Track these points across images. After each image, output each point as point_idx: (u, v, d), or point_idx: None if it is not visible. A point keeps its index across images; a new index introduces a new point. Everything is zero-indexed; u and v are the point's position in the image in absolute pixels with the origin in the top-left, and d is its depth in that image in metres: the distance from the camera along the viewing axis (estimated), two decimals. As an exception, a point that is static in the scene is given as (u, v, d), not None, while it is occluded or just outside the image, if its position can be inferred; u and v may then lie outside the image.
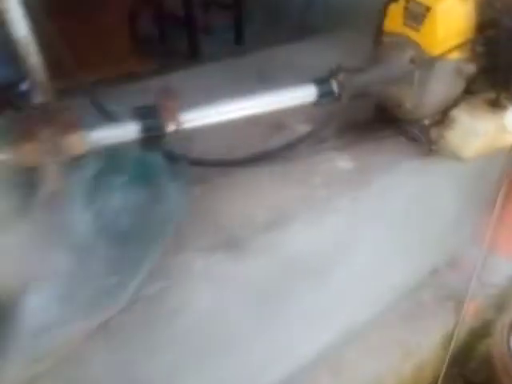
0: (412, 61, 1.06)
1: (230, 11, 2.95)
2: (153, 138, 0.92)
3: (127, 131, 0.90)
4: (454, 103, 1.09)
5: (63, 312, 0.81)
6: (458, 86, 1.10)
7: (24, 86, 1.83)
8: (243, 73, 1.60)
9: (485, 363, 1.72)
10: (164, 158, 1.06)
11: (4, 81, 1.21)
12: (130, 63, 2.56)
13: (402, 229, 1.33)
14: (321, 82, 1.01)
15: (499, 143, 1.12)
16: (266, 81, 1.57)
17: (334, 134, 1.24)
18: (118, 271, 0.91)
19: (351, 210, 1.12)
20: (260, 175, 1.13)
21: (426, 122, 1.13)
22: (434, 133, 1.13)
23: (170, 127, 0.91)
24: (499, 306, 1.75)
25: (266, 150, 1.15)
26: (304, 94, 1.01)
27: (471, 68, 1.05)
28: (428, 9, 1.02)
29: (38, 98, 0.97)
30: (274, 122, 1.29)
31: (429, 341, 1.60)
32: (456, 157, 1.11)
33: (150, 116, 0.90)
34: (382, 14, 1.14)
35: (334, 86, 1.01)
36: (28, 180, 0.78)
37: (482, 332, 1.74)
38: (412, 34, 1.07)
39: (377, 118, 1.26)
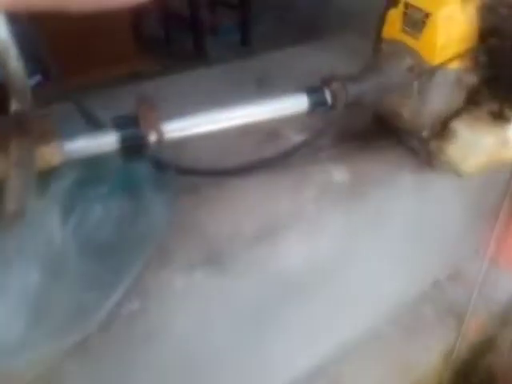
0: (410, 69, 1.00)
1: (236, 12, 2.92)
2: (134, 148, 0.88)
3: (106, 141, 0.86)
4: (455, 115, 1.04)
5: (30, 333, 0.77)
6: (459, 97, 1.04)
7: (31, 82, 1.82)
8: (242, 77, 1.57)
9: (487, 380, 1.68)
10: (150, 167, 1.02)
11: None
12: (134, 63, 2.54)
13: (401, 242, 1.28)
14: (313, 90, 0.96)
15: (502, 158, 1.05)
16: (264, 86, 1.53)
17: (330, 142, 1.20)
18: (95, 287, 0.87)
19: (346, 224, 1.08)
20: (250, 186, 1.09)
21: (425, 133, 1.07)
22: (433, 145, 1.08)
23: (151, 137, 0.87)
24: (502, 321, 1.71)
25: (258, 159, 1.11)
26: (295, 104, 0.96)
27: (472, 78, 1.00)
28: (427, 15, 0.96)
29: (15, 106, 0.93)
30: (269, 129, 1.25)
31: (429, 356, 1.56)
32: (456, 172, 1.06)
33: (130, 125, 0.86)
34: (382, 19, 1.08)
35: (327, 95, 0.95)
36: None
37: (484, 347, 1.70)
38: (411, 42, 1.01)
39: (375, 127, 1.21)
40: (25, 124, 0.81)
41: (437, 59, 0.98)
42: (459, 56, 0.97)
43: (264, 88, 1.54)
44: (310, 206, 1.03)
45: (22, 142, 0.77)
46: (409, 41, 1.02)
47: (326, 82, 0.96)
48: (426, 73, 0.99)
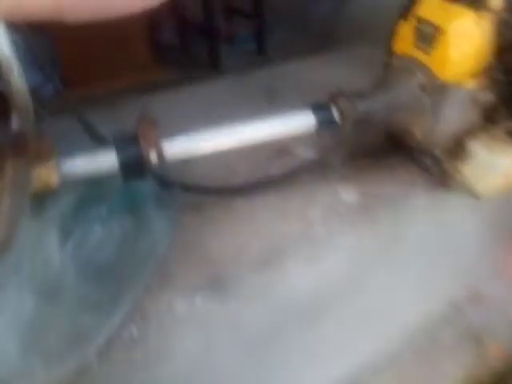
0: (421, 86, 0.96)
1: (251, 21, 2.91)
2: (134, 167, 0.85)
3: (105, 161, 0.83)
4: (470, 134, 0.99)
5: (25, 359, 0.75)
6: (474, 116, 0.99)
7: (46, 91, 1.82)
8: (253, 90, 1.55)
9: (509, 408, 1.60)
10: (154, 185, 1.00)
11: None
12: (150, 73, 2.54)
13: (415, 265, 1.22)
14: (320, 108, 0.92)
15: (521, 179, 1.00)
16: (275, 99, 1.51)
17: (339, 160, 1.15)
18: (93, 312, 0.84)
19: (354, 249, 1.03)
20: (257, 205, 1.06)
21: (438, 152, 1.02)
22: (448, 165, 1.03)
23: (152, 156, 0.84)
24: (525, 345, 1.62)
25: (265, 176, 1.09)
26: (302, 122, 0.92)
27: (489, 96, 0.95)
28: (439, 30, 0.92)
29: (16, 124, 0.91)
30: (279, 146, 1.22)
31: (447, 382, 1.48)
32: (472, 193, 1.00)
33: (130, 144, 0.83)
34: (393, 33, 1.04)
35: (335, 112, 0.92)
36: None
37: (507, 375, 1.62)
38: (422, 57, 0.97)
39: (386, 144, 1.17)
40: (22, 143, 0.79)
41: (449, 76, 0.93)
42: (474, 73, 0.92)
43: (274, 102, 1.52)
44: (317, 228, 0.99)
45: (18, 162, 0.75)
46: (420, 56, 0.98)
47: (334, 98, 0.92)
48: (437, 90, 0.94)
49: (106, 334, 0.83)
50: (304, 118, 0.92)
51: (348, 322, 1.17)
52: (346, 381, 1.25)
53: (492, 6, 0.92)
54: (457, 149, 1.01)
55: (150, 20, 2.64)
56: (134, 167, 0.85)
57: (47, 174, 0.78)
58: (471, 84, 0.95)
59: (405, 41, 1.02)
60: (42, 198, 0.81)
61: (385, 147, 1.18)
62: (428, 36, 0.95)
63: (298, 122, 0.92)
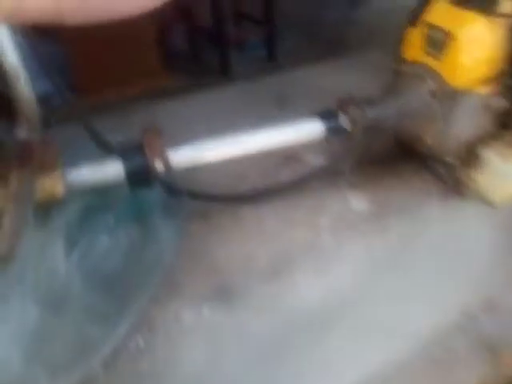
0: (432, 93, 0.94)
1: (262, 28, 2.91)
2: (139, 176, 0.85)
3: (110, 171, 0.83)
4: (483, 141, 0.96)
5: (30, 370, 0.75)
6: (487, 122, 0.97)
7: (56, 99, 1.83)
8: (262, 96, 1.54)
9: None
10: (161, 193, 0.99)
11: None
12: (160, 79, 2.55)
13: (427, 275, 1.20)
14: (328, 115, 0.91)
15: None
16: (284, 105, 1.50)
17: (349, 167, 1.14)
18: (99, 322, 0.84)
19: (365, 259, 1.01)
20: (265, 213, 1.05)
21: (450, 159, 1.00)
22: (461, 173, 1.00)
23: (157, 165, 0.83)
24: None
25: (274, 184, 1.08)
26: (310, 130, 0.91)
27: (502, 102, 0.92)
28: (450, 35, 0.90)
29: (22, 133, 0.91)
30: (288, 152, 1.20)
31: (461, 395, 1.45)
32: (488, 202, 0.98)
33: (135, 154, 0.83)
34: (402, 40, 1.02)
35: (343, 119, 0.90)
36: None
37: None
38: (433, 63, 0.95)
39: (397, 151, 1.14)
40: (28, 153, 0.79)
41: (460, 82, 0.91)
42: (486, 79, 0.90)
43: (284, 108, 1.51)
44: (326, 237, 0.98)
45: (22, 172, 0.75)
46: (431, 62, 0.96)
47: (344, 105, 0.91)
48: (448, 96, 0.92)
49: (112, 345, 0.82)
50: (313, 125, 0.91)
51: (359, 332, 1.14)
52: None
53: (503, 11, 0.90)
54: (470, 156, 0.99)
55: (160, 27, 2.65)
56: (140, 176, 0.85)
57: (52, 185, 0.78)
58: (483, 90, 0.93)
59: (414, 47, 1.00)
60: (47, 208, 0.81)
61: (395, 154, 1.16)
62: (438, 42, 0.93)
63: (307, 129, 0.91)
